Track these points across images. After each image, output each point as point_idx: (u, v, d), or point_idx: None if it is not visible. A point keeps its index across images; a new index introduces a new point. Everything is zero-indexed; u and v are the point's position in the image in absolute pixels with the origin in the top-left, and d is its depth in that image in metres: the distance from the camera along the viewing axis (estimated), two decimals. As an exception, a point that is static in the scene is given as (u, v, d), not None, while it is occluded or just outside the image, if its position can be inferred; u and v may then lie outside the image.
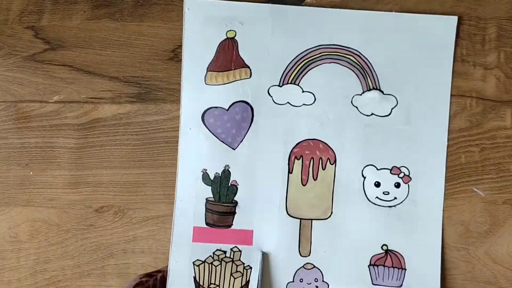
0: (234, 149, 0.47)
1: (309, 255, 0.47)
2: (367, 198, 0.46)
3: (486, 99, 0.47)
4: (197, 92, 0.47)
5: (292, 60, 0.46)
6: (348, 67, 0.46)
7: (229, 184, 0.47)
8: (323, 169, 0.46)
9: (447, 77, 0.46)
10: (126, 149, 0.49)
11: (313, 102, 0.46)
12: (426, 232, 0.46)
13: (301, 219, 0.47)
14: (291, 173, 0.47)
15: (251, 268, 0.46)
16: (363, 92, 0.46)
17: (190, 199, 0.47)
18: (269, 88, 0.46)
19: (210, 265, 0.47)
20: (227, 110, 0.47)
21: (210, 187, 0.47)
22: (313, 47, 0.46)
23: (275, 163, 0.47)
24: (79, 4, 0.50)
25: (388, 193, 0.46)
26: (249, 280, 0.46)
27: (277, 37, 0.46)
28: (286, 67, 0.46)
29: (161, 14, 0.49)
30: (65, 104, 0.50)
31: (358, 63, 0.46)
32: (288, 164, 0.47)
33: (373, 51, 0.46)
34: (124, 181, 0.49)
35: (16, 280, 0.50)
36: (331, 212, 0.46)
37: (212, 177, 0.47)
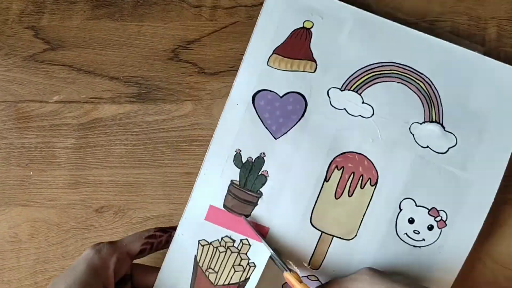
0: (275, 139, 0.44)
1: (318, 268, 0.44)
2: (396, 232, 0.44)
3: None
4: (257, 70, 0.44)
5: (361, 68, 0.44)
6: (415, 92, 0.44)
7: (259, 173, 0.44)
8: (361, 188, 0.44)
9: None
10: (126, 149, 0.49)
11: (370, 116, 0.44)
12: (441, 279, 0.44)
13: (322, 232, 0.44)
14: (327, 181, 0.44)
15: (255, 266, 0.44)
16: (424, 122, 0.44)
17: (215, 175, 0.45)
18: (329, 89, 0.44)
19: (215, 249, 0.44)
20: (281, 97, 0.45)
21: (239, 170, 0.45)
22: (386, 62, 0.44)
23: (314, 166, 0.44)
24: (79, 4, 0.50)
25: (419, 232, 0.44)
26: (248, 278, 0.44)
27: (352, 41, 0.44)
28: (353, 73, 0.44)
29: (161, 14, 0.50)
30: (65, 104, 0.50)
31: (427, 92, 0.43)
32: (327, 171, 0.44)
33: (446, 84, 0.43)
34: (124, 181, 0.49)
35: (16, 280, 0.50)
36: (355, 235, 0.44)
37: (244, 160, 0.45)
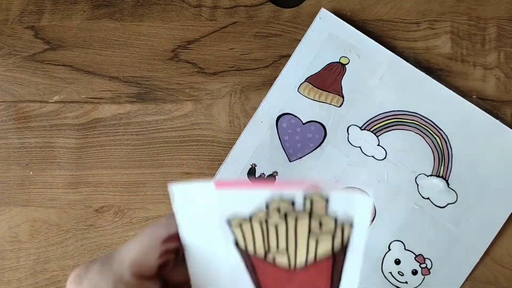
0: (290, 161, 0.47)
1: None
2: (382, 270, 0.46)
3: (486, 99, 0.47)
4: (286, 94, 0.47)
5: (384, 113, 0.46)
6: (429, 145, 0.46)
7: None
8: None
9: (510, 207, 0.45)
10: (126, 149, 0.49)
11: (382, 159, 0.46)
12: None
13: None
14: None
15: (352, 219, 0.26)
16: (431, 175, 0.46)
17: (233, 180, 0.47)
18: (350, 126, 0.46)
19: (264, 224, 0.24)
20: (303, 124, 0.47)
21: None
22: (409, 112, 0.46)
23: None
24: (79, 4, 0.50)
25: (403, 274, 0.46)
26: (347, 240, 0.25)
27: (383, 85, 0.46)
28: (375, 116, 0.46)
29: (161, 14, 0.49)
30: (65, 104, 0.50)
31: (441, 147, 0.45)
32: None
33: (460, 144, 0.45)
34: (124, 181, 0.49)
35: (16, 280, 0.50)
36: None
37: (257, 174, 0.47)
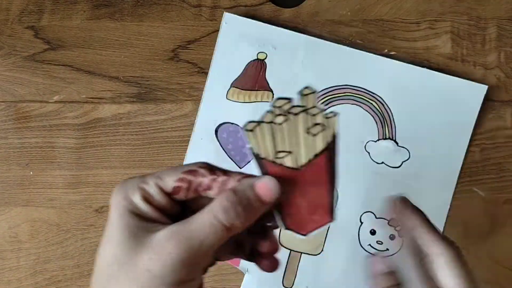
0: (240, 168, 0.47)
1: (291, 286, 0.46)
2: (360, 244, 0.46)
3: (486, 99, 0.47)
4: (217, 104, 0.47)
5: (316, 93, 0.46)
6: (369, 112, 0.46)
7: None
8: None
9: (464, 144, 0.46)
10: (126, 149, 0.49)
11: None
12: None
13: (291, 250, 0.46)
14: None
15: (334, 115, 0.28)
16: (378, 140, 0.46)
17: None
18: None
19: (270, 125, 0.28)
20: (242, 128, 0.46)
21: None
22: (339, 85, 0.46)
23: None
24: (79, 4, 0.50)
25: (382, 243, 0.46)
26: (336, 133, 0.28)
27: (306, 68, 0.47)
28: None
29: (161, 14, 0.49)
30: (65, 104, 0.50)
31: (380, 111, 0.46)
32: None
33: (397, 102, 0.46)
34: (124, 181, 0.49)
35: (16, 280, 0.50)
36: (322, 250, 0.46)
37: None
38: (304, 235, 0.30)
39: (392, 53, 0.47)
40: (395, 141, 0.46)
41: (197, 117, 0.47)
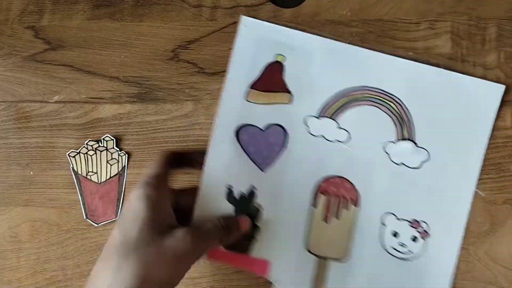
0: (263, 171, 0.46)
1: None
2: (384, 247, 0.46)
3: (486, 99, 0.47)
4: (236, 107, 0.46)
5: (334, 95, 0.46)
6: (387, 113, 0.46)
7: (253, 207, 0.46)
8: (346, 210, 0.46)
9: (482, 143, 0.45)
10: (126, 149, 0.49)
11: (346, 140, 0.46)
12: (435, 286, 0.45)
13: (319, 257, 0.46)
14: (315, 207, 0.46)
15: (125, 154, 0.49)
16: (397, 141, 0.46)
17: (210, 215, 0.45)
18: (306, 118, 0.47)
19: (85, 155, 0.49)
20: (263, 130, 0.47)
21: (233, 206, 0.46)
22: (357, 87, 0.46)
23: (302, 194, 0.46)
24: (79, 4, 0.50)
25: (405, 245, 0.46)
26: (124, 166, 0.49)
27: (324, 70, 0.46)
28: (327, 101, 0.46)
29: (161, 14, 0.49)
30: (65, 104, 0.50)
31: (398, 112, 0.46)
32: (314, 198, 0.46)
33: (415, 103, 0.46)
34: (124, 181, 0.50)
35: (16, 280, 0.50)
36: (349, 255, 0.46)
37: (236, 195, 0.46)
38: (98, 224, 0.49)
39: (410, 53, 0.47)
40: (414, 142, 0.46)
41: (216, 119, 0.46)
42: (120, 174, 0.49)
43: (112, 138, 0.49)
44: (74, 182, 0.50)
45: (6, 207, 0.50)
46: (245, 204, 0.46)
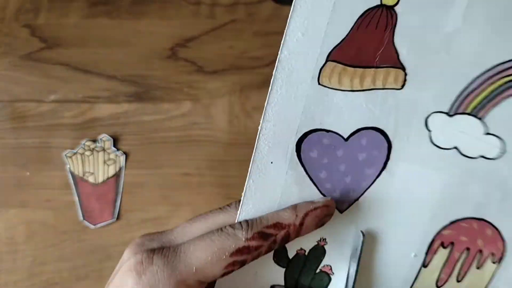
0: (341, 212, 0.28)
1: None
2: None
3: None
4: (299, 95, 0.26)
5: (480, 75, 0.26)
6: None
7: (318, 271, 0.28)
8: (478, 268, 0.29)
9: None
10: (124, 149, 0.49)
11: (499, 156, 0.27)
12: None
13: None
14: (425, 267, 0.29)
15: (123, 154, 0.48)
16: None
17: (246, 282, 0.28)
18: (429, 115, 0.26)
19: (82, 155, 0.48)
20: (346, 140, 0.27)
21: (283, 270, 0.28)
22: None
23: (405, 248, 0.28)
24: (76, 2, 0.50)
25: None
26: (122, 167, 0.47)
27: (470, 25, 0.25)
28: (469, 84, 0.26)
29: (159, 12, 0.49)
30: (61, 104, 0.50)
31: None
32: (427, 252, 0.28)
33: None
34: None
35: (13, 283, 0.50)
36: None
37: (290, 254, 0.28)
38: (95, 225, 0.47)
39: None
40: None
41: (262, 122, 0.27)
42: (117, 175, 0.49)
43: (110, 138, 0.48)
44: (70, 183, 0.50)
45: (2, 208, 0.50)
46: (304, 267, 0.28)
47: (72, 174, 0.49)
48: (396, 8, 0.25)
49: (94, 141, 0.49)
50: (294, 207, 0.25)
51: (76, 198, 0.49)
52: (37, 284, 0.50)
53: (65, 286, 0.49)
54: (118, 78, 0.49)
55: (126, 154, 0.49)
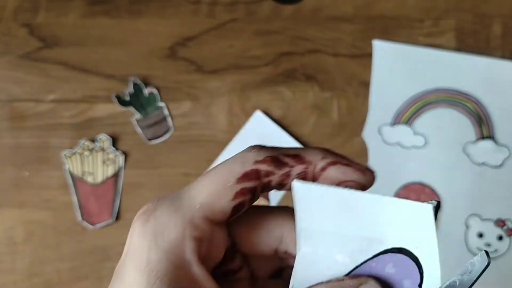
0: None
1: None
2: (469, 249, 0.45)
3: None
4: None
5: (407, 100, 0.46)
6: (463, 114, 0.45)
7: None
8: None
9: None
10: (123, 149, 0.49)
11: (424, 145, 0.46)
12: None
13: None
14: None
15: (122, 154, 0.48)
16: (476, 140, 0.45)
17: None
18: (380, 127, 0.46)
19: (81, 155, 0.48)
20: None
21: None
22: (430, 89, 0.46)
23: None
24: (75, 1, 0.50)
25: (490, 244, 0.45)
26: (121, 167, 0.48)
27: (395, 75, 0.46)
28: (400, 107, 0.46)
29: (159, 11, 0.49)
30: (60, 103, 0.50)
31: (475, 110, 0.45)
32: None
33: (492, 100, 0.45)
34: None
35: (12, 283, 0.50)
36: None
37: None
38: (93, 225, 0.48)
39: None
40: (494, 140, 0.45)
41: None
42: (116, 175, 0.49)
43: (108, 137, 0.48)
44: (69, 183, 0.49)
45: (1, 208, 0.50)
46: None
47: (71, 174, 0.49)
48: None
49: (93, 141, 0.49)
50: (325, 151, 0.21)
51: (75, 198, 0.49)
52: (36, 285, 0.49)
53: (64, 287, 0.49)
54: (117, 78, 0.49)
55: (125, 154, 0.49)
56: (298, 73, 0.48)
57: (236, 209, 0.20)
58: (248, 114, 0.48)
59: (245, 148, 0.21)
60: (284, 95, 0.48)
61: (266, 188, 0.21)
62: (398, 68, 0.46)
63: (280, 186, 0.21)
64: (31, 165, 0.50)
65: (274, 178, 0.20)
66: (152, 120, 0.48)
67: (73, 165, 0.49)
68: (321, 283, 0.20)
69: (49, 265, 0.49)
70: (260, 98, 0.48)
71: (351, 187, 0.20)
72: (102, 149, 0.48)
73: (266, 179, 0.20)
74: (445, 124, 0.45)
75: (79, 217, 0.49)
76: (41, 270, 0.49)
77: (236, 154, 0.21)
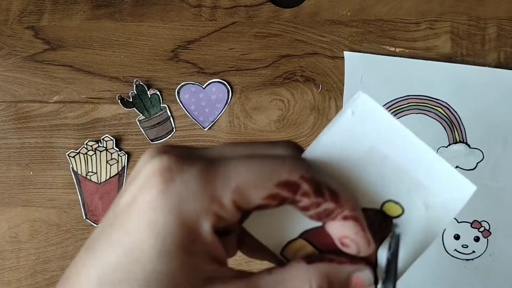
0: (204, 128, 0.47)
1: None
2: (446, 250, 0.46)
3: (486, 99, 0.47)
4: None
5: (391, 100, 0.47)
6: (435, 119, 0.46)
7: None
8: None
9: None
10: (126, 149, 0.49)
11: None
12: (502, 285, 0.45)
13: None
14: None
15: (125, 154, 0.49)
16: (449, 145, 0.46)
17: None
18: None
19: (85, 155, 0.49)
20: None
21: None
22: (401, 97, 0.46)
23: None
24: (79, 4, 0.50)
25: (467, 246, 0.46)
26: (124, 166, 0.49)
27: (366, 85, 0.47)
28: (388, 104, 0.47)
29: (161, 14, 0.49)
30: (65, 104, 0.50)
31: (446, 115, 0.46)
32: None
33: (462, 104, 0.46)
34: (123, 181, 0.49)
35: (16, 280, 0.50)
36: None
37: None
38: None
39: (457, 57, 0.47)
40: (466, 143, 0.46)
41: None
42: (119, 175, 0.49)
43: (112, 138, 0.49)
44: (73, 182, 0.50)
45: (6, 207, 0.50)
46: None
47: (75, 173, 0.49)
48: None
49: (97, 141, 0.49)
50: (357, 209, 0.21)
51: (79, 197, 0.49)
52: (41, 282, 0.50)
53: (68, 284, 0.50)
54: (121, 79, 0.49)
55: (128, 154, 0.49)
56: (297, 75, 0.48)
57: (258, 207, 0.19)
58: (248, 115, 0.48)
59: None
60: (284, 97, 0.48)
61: (291, 203, 0.19)
62: (368, 78, 0.47)
63: (299, 208, 0.20)
64: (36, 165, 0.50)
65: (305, 202, 0.19)
66: (155, 121, 0.49)
67: (77, 164, 0.49)
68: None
69: (54, 263, 0.50)
70: (260, 100, 0.48)
71: (349, 245, 0.20)
72: (106, 149, 0.49)
73: (299, 198, 0.19)
74: (418, 130, 0.44)
75: (83, 216, 0.49)
76: (45, 267, 0.50)
77: (288, 156, 0.19)
